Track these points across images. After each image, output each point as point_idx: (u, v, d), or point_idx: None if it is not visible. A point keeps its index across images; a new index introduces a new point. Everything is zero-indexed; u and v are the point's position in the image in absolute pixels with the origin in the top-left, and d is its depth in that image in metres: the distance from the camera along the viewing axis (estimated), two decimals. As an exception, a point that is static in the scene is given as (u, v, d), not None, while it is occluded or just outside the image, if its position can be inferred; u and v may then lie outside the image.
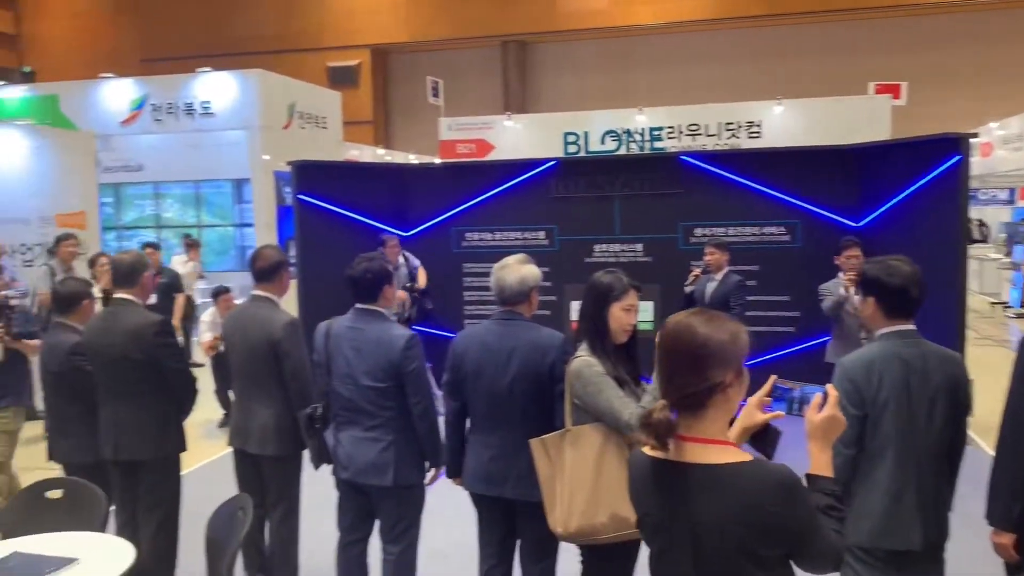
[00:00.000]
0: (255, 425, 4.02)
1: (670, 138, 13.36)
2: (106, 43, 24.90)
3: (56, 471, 4.27)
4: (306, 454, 3.96)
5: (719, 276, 6.59)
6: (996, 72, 20.77)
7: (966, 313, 6.46)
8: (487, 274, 9.02)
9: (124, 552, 3.11)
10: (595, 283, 3.15)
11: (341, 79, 23.46)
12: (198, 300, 11.45)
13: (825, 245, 6.87)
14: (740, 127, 13.20)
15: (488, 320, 3.49)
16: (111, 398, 3.97)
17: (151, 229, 14.69)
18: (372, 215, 8.28)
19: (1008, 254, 14.66)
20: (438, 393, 3.73)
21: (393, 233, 8.00)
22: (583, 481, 2.97)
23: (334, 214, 8.22)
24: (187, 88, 12.63)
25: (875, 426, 2.74)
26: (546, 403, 3.29)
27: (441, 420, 3.60)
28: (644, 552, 2.16)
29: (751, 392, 2.01)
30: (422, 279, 7.96)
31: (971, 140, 6.56)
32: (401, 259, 7.84)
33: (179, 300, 9.49)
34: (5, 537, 3.41)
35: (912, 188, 6.82)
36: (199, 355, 8.51)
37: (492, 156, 13.78)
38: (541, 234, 8.38)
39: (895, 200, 7.03)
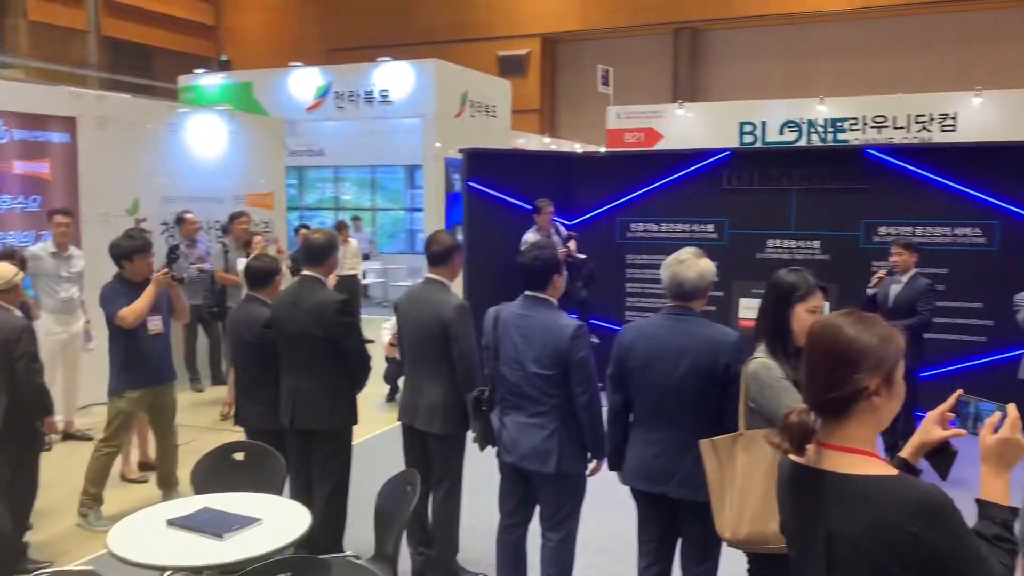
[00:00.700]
0: (423, 403, 4.14)
1: (853, 130, 12.60)
2: (295, 33, 26.44)
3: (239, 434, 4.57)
4: (470, 435, 4.04)
5: (905, 278, 6.15)
6: None
7: None
8: (650, 266, 8.86)
9: (302, 516, 3.29)
10: (778, 281, 3.00)
11: (511, 68, 23.76)
12: (366, 280, 11.98)
13: (1026, 250, 6.28)
14: (932, 119, 12.26)
15: (657, 314, 3.42)
16: (292, 370, 4.20)
17: (330, 211, 15.50)
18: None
19: None
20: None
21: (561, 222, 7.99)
22: (755, 488, 2.85)
23: (501, 201, 8.34)
24: (368, 77, 13.14)
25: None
26: (716, 403, 3.19)
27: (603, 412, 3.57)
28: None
29: (933, 405, 1.86)
30: (574, 248, 7.84)
31: None
32: (552, 229, 7.83)
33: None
34: (196, 493, 3.69)
35: None
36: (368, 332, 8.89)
37: (660, 146, 13.52)
38: (710, 227, 8.14)
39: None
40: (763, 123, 13.27)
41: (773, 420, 2.86)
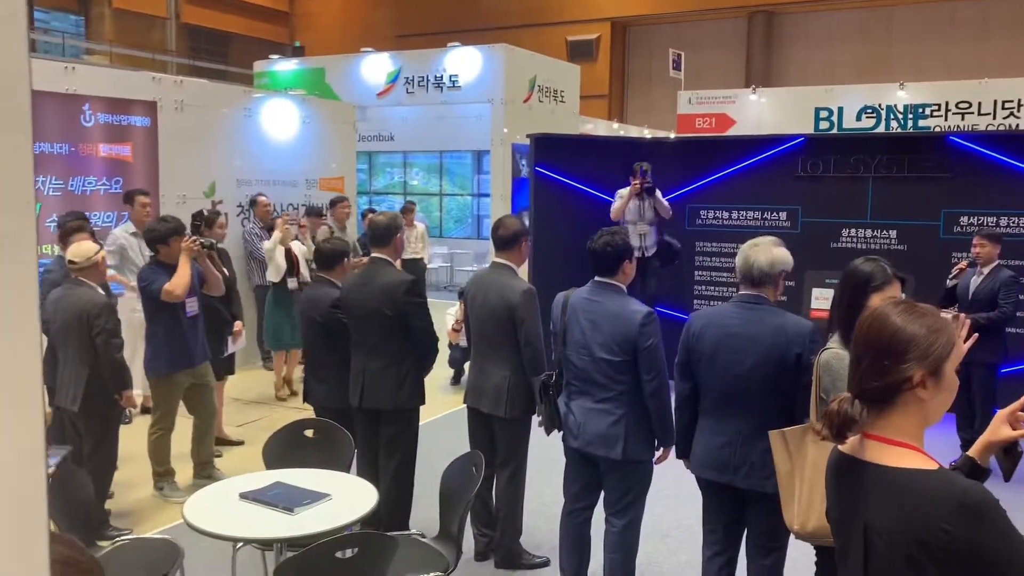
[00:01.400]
0: (489, 385, 4.17)
1: (935, 116, 12.17)
2: (366, 20, 26.76)
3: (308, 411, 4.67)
4: (535, 419, 4.05)
5: (987, 270, 5.93)
6: None
7: None
8: (720, 254, 8.70)
9: (369, 494, 3.35)
10: (854, 270, 2.93)
11: (580, 53, 23.61)
12: (431, 264, 12.09)
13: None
14: (1021, 105, 11.75)
15: (728, 302, 3.37)
16: (361, 350, 4.27)
17: (399, 195, 15.67)
18: (605, 189, 8.26)
19: None
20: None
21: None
22: (824, 481, 2.79)
23: (568, 187, 8.30)
24: (438, 62, 13.21)
25: None
26: (787, 394, 3.13)
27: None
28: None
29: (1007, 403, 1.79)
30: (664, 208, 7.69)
31: None
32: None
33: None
34: (268, 467, 3.79)
35: None
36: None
37: (732, 132, 13.28)
38: (783, 215, 7.96)
39: None
40: (839, 109, 12.91)
41: (846, 412, 2.79)
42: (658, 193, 7.60)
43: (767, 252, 3.21)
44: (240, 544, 3.55)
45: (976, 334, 2.74)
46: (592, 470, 3.71)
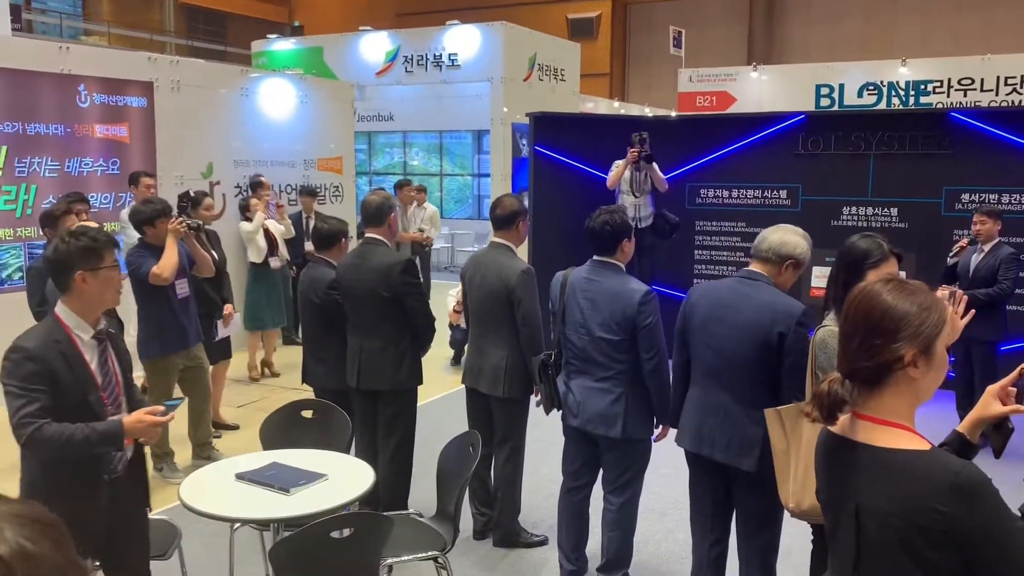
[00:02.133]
0: (487, 366, 4.16)
1: (937, 93, 12.08)
2: (365, -2, 26.54)
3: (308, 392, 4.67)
4: (533, 398, 4.05)
5: (987, 247, 5.90)
6: None
7: None
8: (721, 233, 8.67)
9: (366, 474, 3.35)
10: (850, 247, 2.90)
11: (580, 31, 23.43)
12: (437, 244, 12.07)
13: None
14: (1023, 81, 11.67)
15: (730, 277, 3.35)
16: (358, 331, 4.26)
17: (398, 175, 15.61)
18: (606, 168, 8.21)
19: None
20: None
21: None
22: (821, 458, 2.78)
23: (568, 166, 8.26)
24: (437, 40, 13.10)
25: None
26: (771, 373, 3.08)
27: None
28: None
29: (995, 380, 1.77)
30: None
31: None
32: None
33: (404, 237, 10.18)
34: (265, 448, 3.79)
35: None
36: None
37: (733, 109, 13.20)
38: (783, 193, 7.93)
39: None
40: (841, 86, 12.82)
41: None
42: (655, 165, 7.54)
43: (782, 232, 3.18)
44: (237, 524, 3.55)
45: (973, 310, 2.73)
46: (591, 449, 3.71)
